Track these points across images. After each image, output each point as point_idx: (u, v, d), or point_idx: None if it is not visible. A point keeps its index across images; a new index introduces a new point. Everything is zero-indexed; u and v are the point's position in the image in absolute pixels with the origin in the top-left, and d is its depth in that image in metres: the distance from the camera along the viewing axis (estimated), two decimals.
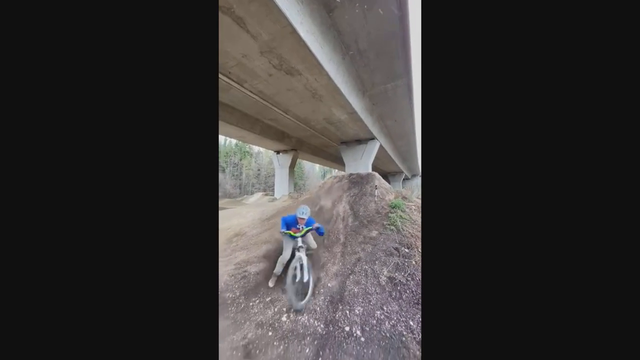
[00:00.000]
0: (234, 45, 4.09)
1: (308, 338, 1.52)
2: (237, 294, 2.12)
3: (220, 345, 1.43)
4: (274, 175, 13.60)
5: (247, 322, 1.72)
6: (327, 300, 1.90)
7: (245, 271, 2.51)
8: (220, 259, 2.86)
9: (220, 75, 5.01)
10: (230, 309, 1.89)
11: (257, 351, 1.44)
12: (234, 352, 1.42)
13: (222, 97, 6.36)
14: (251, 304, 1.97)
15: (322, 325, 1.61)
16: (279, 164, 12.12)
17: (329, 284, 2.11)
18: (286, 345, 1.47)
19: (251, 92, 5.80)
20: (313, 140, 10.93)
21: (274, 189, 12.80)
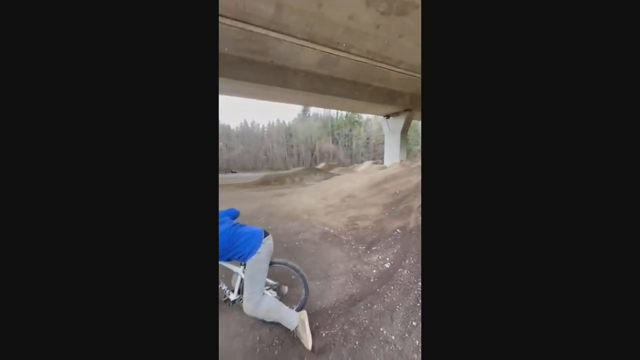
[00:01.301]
0: (340, 9, 4.06)
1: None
2: (350, 239, 2.62)
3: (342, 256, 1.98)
4: (383, 143, 13.08)
5: (355, 259, 2.16)
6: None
7: (355, 224, 3.00)
8: (336, 213, 3.54)
9: (328, 50, 5.31)
10: (345, 247, 2.45)
11: (367, 273, 1.82)
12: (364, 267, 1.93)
13: (332, 70, 6.77)
14: (359, 246, 2.40)
15: None
16: (389, 129, 11.35)
17: None
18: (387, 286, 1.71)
19: (359, 55, 5.65)
20: None
21: (383, 157, 12.48)
